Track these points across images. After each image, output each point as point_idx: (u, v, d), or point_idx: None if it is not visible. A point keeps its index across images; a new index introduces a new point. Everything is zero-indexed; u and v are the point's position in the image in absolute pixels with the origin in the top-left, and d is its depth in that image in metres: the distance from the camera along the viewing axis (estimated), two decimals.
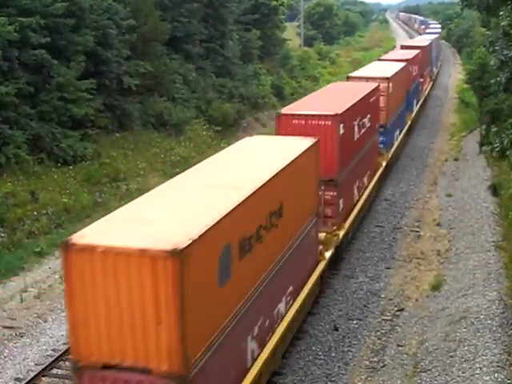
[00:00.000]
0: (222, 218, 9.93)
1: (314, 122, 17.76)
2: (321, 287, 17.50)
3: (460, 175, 29.78)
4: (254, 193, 11.40)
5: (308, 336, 15.77)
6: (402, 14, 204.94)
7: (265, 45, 54.12)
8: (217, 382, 10.17)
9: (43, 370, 14.60)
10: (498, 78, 18.00)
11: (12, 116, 25.02)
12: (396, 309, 17.31)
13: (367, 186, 23.26)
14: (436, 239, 22.10)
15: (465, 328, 15.10)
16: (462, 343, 14.42)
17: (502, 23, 17.40)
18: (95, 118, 29.30)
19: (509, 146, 16.52)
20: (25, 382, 14.27)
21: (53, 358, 15.02)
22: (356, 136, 20.48)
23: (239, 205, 10.67)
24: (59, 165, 26.68)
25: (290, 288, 14.24)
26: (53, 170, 26.25)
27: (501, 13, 17.86)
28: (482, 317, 15.36)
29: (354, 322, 16.60)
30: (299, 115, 18.01)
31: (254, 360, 11.85)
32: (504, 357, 13.44)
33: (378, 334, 16.06)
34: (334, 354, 15.06)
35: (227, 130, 38.82)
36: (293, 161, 13.81)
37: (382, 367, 14.53)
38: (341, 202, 18.70)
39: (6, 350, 15.73)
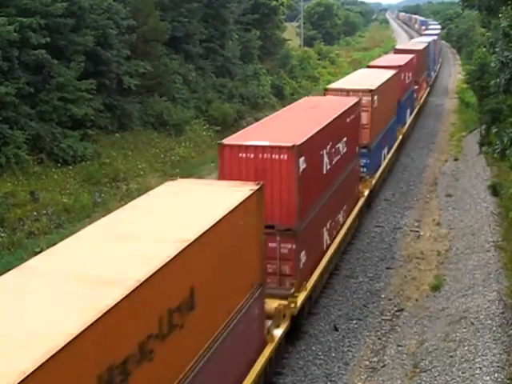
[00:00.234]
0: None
1: (265, 155, 13.87)
2: None
3: (460, 175, 29.78)
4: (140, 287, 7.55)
5: (308, 336, 15.76)
6: (402, 14, 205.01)
7: (265, 45, 54.15)
8: None
9: None
10: (498, 80, 17.98)
11: (12, 116, 25.04)
12: (396, 309, 17.30)
13: (343, 224, 19.26)
14: (436, 239, 22.10)
15: (465, 328, 15.11)
16: (462, 343, 14.42)
17: (502, 24, 17.38)
18: (95, 118, 29.33)
19: (508, 145, 16.52)
20: None
21: None
22: (325, 168, 16.59)
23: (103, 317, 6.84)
24: (59, 165, 26.69)
25: None
26: (53, 170, 26.27)
27: (500, 15, 17.84)
28: (481, 317, 15.37)
29: (354, 322, 16.59)
30: (246, 147, 14.00)
31: None
32: (504, 357, 13.44)
33: (378, 334, 16.06)
34: (333, 354, 15.05)
35: (227, 130, 38.79)
36: (214, 226, 9.64)
37: (382, 367, 14.52)
38: (302, 255, 14.77)
39: None
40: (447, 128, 41.90)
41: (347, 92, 22.83)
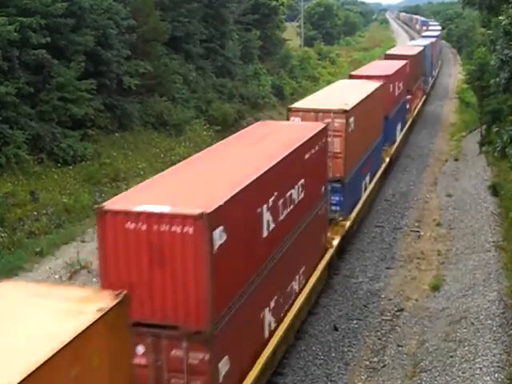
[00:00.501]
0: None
1: (162, 226, 9.60)
2: None
3: (460, 175, 29.78)
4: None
5: (308, 336, 15.76)
6: (402, 14, 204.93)
7: (265, 45, 54.13)
8: None
9: None
10: (498, 79, 17.98)
11: (12, 116, 25.00)
12: (396, 309, 17.30)
13: (299, 293, 14.74)
14: (436, 239, 22.10)
15: (465, 328, 15.11)
16: (462, 343, 14.43)
17: (503, 22, 17.39)
18: (95, 118, 29.30)
19: (508, 143, 16.52)
20: None
21: None
22: (266, 230, 12.06)
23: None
24: (59, 165, 26.67)
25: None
26: (53, 170, 26.25)
27: (501, 17, 17.82)
28: (482, 317, 15.37)
29: (354, 322, 16.59)
30: (137, 214, 9.67)
31: None
32: (504, 357, 13.45)
33: (378, 334, 16.06)
34: (333, 354, 15.05)
35: (227, 130, 38.79)
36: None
37: (382, 367, 14.53)
38: (223, 363, 10.27)
39: None
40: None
41: (315, 113, 18.41)
